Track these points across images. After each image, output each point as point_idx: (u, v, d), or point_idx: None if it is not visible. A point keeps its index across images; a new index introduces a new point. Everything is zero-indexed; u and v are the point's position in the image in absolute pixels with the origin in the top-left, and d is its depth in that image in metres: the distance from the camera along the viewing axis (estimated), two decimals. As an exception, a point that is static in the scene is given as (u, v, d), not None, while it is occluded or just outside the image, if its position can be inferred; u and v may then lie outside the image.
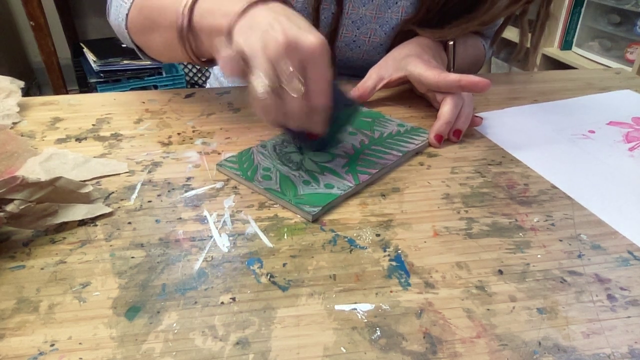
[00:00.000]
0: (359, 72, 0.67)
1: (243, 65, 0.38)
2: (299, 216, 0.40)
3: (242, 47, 0.38)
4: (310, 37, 0.37)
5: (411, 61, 0.56)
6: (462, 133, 0.52)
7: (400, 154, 0.48)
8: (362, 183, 0.43)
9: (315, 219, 0.39)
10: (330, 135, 0.45)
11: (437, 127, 0.51)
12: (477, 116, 0.54)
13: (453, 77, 0.51)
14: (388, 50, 0.63)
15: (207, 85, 0.87)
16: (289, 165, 0.45)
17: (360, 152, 0.48)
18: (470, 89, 0.51)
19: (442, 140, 0.51)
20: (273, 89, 0.36)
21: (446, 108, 0.51)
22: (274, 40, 0.36)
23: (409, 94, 0.62)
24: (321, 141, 0.45)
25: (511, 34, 2.07)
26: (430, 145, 0.51)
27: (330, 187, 0.42)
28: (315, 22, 0.64)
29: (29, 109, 0.57)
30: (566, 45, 1.95)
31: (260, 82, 0.36)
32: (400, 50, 0.60)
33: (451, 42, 0.62)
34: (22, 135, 0.51)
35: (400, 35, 0.65)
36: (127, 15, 0.56)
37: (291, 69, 0.36)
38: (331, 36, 0.66)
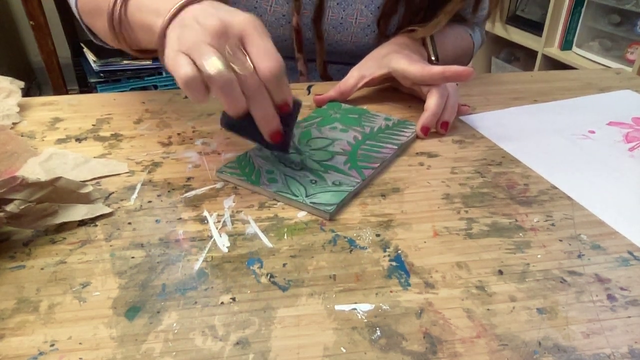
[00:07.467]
0: (349, 58, 0.68)
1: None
2: (298, 216, 0.40)
3: (178, 43, 0.38)
4: (240, 16, 0.39)
5: (393, 58, 0.57)
6: (450, 124, 0.53)
7: (396, 147, 0.49)
8: (368, 178, 0.44)
9: (331, 217, 0.39)
10: (287, 132, 0.43)
11: (423, 119, 0.52)
12: (463, 105, 0.55)
13: (437, 69, 0.52)
14: (375, 31, 0.66)
15: None
16: (291, 166, 0.45)
17: (357, 148, 0.48)
18: (454, 79, 0.52)
19: (429, 132, 0.53)
20: (225, 66, 0.37)
21: (432, 100, 0.53)
22: (207, 26, 0.38)
23: (391, 92, 0.63)
24: (283, 139, 0.42)
25: (513, 35, 2.08)
26: (417, 137, 0.52)
27: (338, 185, 0.42)
28: (297, 4, 0.65)
29: (29, 109, 0.57)
30: (566, 45, 1.94)
31: (211, 63, 0.36)
32: (379, 50, 0.61)
33: (428, 37, 0.63)
34: (22, 136, 0.51)
35: (385, 18, 0.67)
36: None
37: (231, 46, 0.38)
38: (316, 17, 0.67)
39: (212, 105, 0.59)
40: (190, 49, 0.38)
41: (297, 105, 0.42)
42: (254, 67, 0.38)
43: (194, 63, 0.37)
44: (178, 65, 0.37)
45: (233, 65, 0.37)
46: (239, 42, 0.38)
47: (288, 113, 0.41)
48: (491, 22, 0.65)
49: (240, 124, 0.41)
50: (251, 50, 0.38)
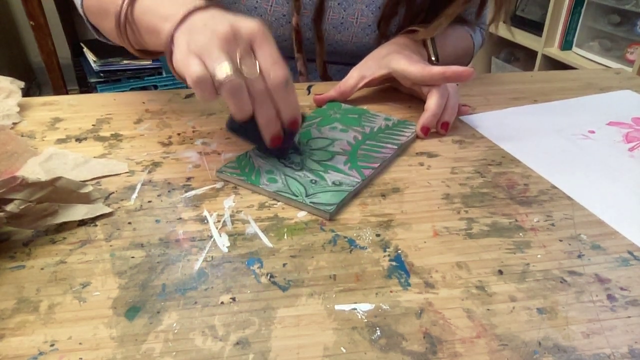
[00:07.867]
0: (349, 59, 0.68)
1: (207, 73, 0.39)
2: (298, 216, 0.40)
3: (188, 46, 0.40)
4: (248, 22, 0.40)
5: (393, 58, 0.57)
6: (450, 125, 0.53)
7: (396, 147, 0.49)
8: (367, 178, 0.44)
9: (331, 217, 0.39)
10: (287, 139, 0.44)
11: (424, 119, 0.53)
12: (464, 105, 0.55)
13: (437, 69, 0.52)
14: (376, 31, 0.66)
15: None
16: (291, 166, 0.45)
17: (357, 148, 0.48)
18: (455, 79, 0.52)
19: (429, 132, 0.53)
20: (235, 72, 0.38)
21: (432, 100, 0.53)
22: (217, 31, 0.39)
23: (391, 92, 0.63)
24: (282, 145, 0.44)
25: (516, 35, 2.07)
26: (417, 137, 0.53)
27: (338, 185, 0.42)
28: (297, 4, 0.65)
29: (29, 109, 0.57)
30: (566, 45, 1.94)
31: (222, 68, 0.38)
32: (380, 51, 0.61)
33: (429, 38, 0.63)
34: (22, 136, 0.51)
35: (386, 19, 0.67)
36: None
37: (241, 52, 0.39)
38: (316, 17, 0.67)
39: (212, 105, 0.59)
40: (201, 51, 0.39)
41: (301, 117, 0.45)
42: (263, 73, 0.39)
43: (204, 64, 0.38)
44: (188, 65, 0.38)
45: (242, 70, 0.39)
46: (248, 48, 0.40)
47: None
48: (495, 26, 0.64)
49: (244, 128, 0.43)
50: (260, 57, 0.40)
